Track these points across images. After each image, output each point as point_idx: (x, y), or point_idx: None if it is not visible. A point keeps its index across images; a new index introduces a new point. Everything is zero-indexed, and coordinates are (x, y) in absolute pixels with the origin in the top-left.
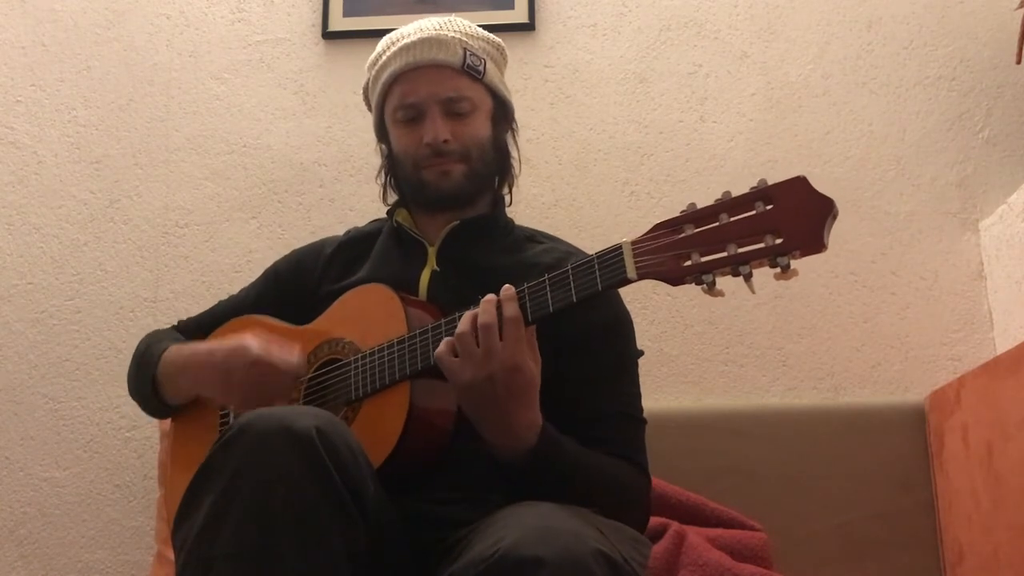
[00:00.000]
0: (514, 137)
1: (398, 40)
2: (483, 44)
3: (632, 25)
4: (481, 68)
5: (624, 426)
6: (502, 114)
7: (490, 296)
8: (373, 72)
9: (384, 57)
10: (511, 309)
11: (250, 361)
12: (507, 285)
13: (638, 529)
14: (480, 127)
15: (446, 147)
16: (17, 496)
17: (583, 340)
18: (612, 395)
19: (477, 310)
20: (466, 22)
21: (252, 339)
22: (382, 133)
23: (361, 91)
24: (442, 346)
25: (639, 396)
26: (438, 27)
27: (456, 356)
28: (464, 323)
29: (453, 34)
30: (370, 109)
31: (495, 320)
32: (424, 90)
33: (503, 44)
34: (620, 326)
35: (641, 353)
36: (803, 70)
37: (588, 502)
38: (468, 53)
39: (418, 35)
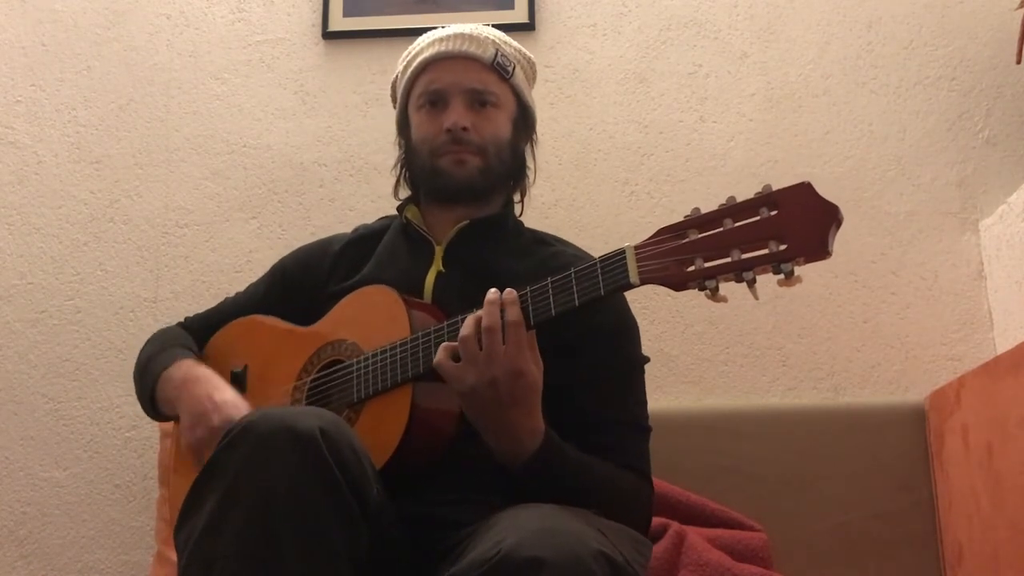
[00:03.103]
0: (532, 149)
1: (433, 35)
2: (515, 51)
3: (632, 25)
4: (510, 69)
5: (627, 434)
6: (524, 121)
7: (492, 296)
8: (403, 64)
9: (416, 49)
10: (513, 313)
11: (219, 427)
12: (509, 289)
13: None
14: (501, 125)
15: (465, 136)
16: (17, 496)
17: (587, 345)
18: (615, 402)
19: (480, 312)
20: (502, 33)
21: (245, 409)
22: (403, 125)
23: (388, 87)
24: (440, 353)
25: (644, 404)
26: (474, 27)
27: (456, 361)
28: (467, 327)
29: (487, 35)
30: (395, 103)
31: (499, 322)
32: (450, 78)
33: (535, 61)
34: (625, 332)
35: (647, 360)
36: (803, 70)
37: (588, 508)
38: (499, 53)
39: (453, 31)
